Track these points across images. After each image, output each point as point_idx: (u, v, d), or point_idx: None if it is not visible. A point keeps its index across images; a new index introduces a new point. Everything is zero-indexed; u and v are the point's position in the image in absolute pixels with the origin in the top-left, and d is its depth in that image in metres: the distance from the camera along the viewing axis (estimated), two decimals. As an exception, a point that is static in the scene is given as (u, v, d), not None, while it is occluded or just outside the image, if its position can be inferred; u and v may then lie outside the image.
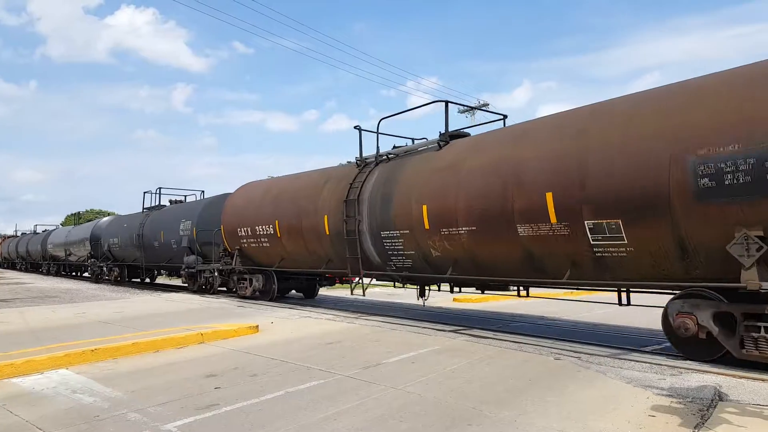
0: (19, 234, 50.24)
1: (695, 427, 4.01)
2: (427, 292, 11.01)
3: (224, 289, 16.92)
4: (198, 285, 17.38)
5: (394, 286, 11.67)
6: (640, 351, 7.18)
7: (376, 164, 11.04)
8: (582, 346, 7.41)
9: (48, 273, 34.84)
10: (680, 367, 5.97)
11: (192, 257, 17.51)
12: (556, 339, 8.11)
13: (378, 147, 11.33)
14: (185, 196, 22.80)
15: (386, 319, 10.19)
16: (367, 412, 4.51)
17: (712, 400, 4.66)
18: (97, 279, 25.82)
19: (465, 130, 10.57)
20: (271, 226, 13.28)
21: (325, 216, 11.51)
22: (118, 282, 23.97)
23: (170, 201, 22.66)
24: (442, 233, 8.89)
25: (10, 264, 49.63)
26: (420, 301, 11.15)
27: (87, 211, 64.03)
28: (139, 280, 25.44)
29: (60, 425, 4.33)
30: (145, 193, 23.34)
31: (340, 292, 18.71)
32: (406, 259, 9.90)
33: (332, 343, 7.66)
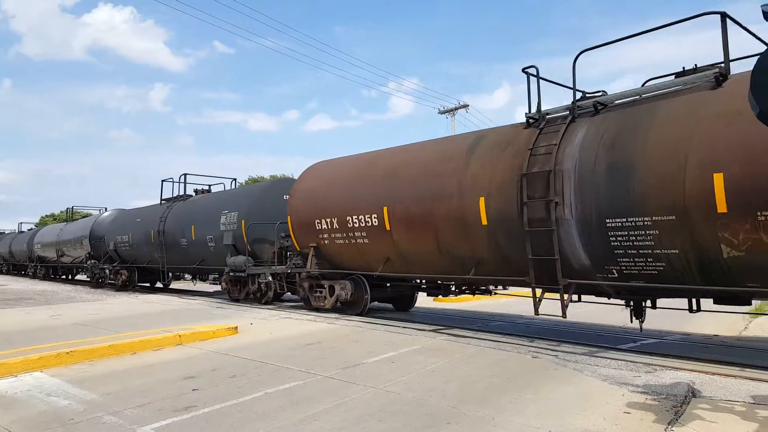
0: (4, 232, 44.96)
1: (669, 423, 4.11)
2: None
3: (270, 297, 13.70)
4: (247, 292, 13.97)
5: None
6: (616, 349, 7.31)
7: (573, 119, 7.53)
8: (559, 344, 7.52)
9: (35, 276, 31.27)
10: (655, 365, 6.10)
11: (240, 258, 13.96)
12: (535, 338, 8.21)
13: (575, 92, 7.64)
14: (209, 185, 18.88)
15: (366, 320, 10.20)
16: (346, 412, 4.51)
17: (685, 397, 4.77)
18: (98, 283, 22.53)
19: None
20: (374, 215, 9.93)
21: (481, 198, 8.15)
22: (125, 287, 20.52)
23: (195, 191, 18.75)
24: (759, 219, 5.64)
25: None
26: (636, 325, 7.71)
27: (62, 212, 62.66)
28: (147, 284, 22.37)
29: (34, 429, 4.24)
30: (163, 181, 19.02)
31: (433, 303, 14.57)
32: (655, 262, 6.52)
33: (312, 344, 7.64)
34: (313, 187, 11.86)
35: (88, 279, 23.81)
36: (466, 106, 34.40)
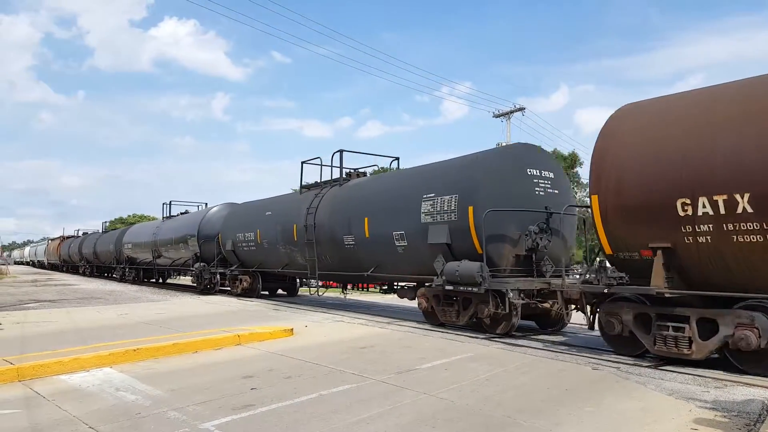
0: (78, 233, 43.79)
1: (741, 443, 3.87)
2: None
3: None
4: (472, 316, 9.11)
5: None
6: (683, 363, 6.93)
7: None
8: (621, 356, 7.22)
9: (123, 279, 28.49)
10: (725, 380, 5.75)
11: (471, 265, 8.81)
12: (594, 349, 7.92)
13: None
14: (359, 169, 14.49)
15: (418, 325, 10.17)
16: (399, 417, 4.51)
17: (759, 415, 4.47)
18: (205, 289, 18.85)
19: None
20: None
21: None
22: (245, 293, 16.99)
23: (348, 174, 14.03)
24: None
25: (70, 267, 43.75)
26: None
27: (129, 216, 66.08)
28: (266, 292, 18.11)
29: (105, 421, 4.49)
30: (303, 162, 14.88)
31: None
32: None
33: (365, 348, 7.69)
34: (647, 139, 6.78)
35: (193, 284, 20.40)
36: (522, 109, 33.74)
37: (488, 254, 8.94)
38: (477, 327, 9.35)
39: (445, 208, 9.72)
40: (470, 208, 9.21)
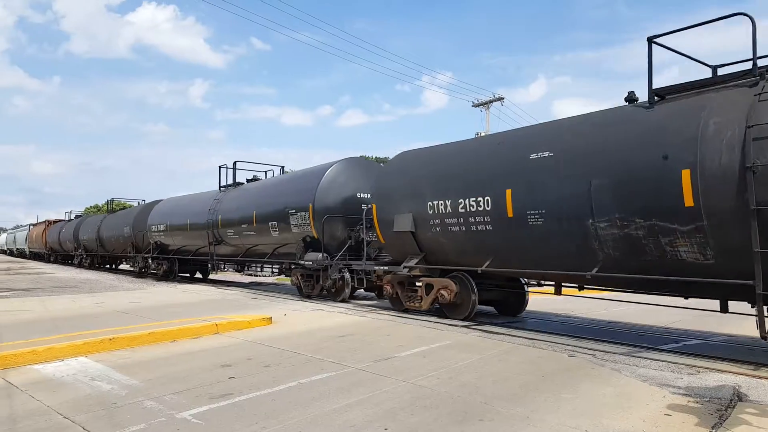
0: (70, 217, 37.24)
1: (713, 427, 3.96)
2: None
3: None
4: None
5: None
6: (657, 349, 7.09)
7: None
8: (597, 343, 7.34)
9: (144, 274, 22.19)
10: (698, 366, 5.89)
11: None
12: (571, 336, 8.04)
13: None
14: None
15: (398, 314, 10.20)
16: (378, 404, 4.52)
17: (731, 400, 4.59)
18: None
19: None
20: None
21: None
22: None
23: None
24: None
25: (60, 257, 37.16)
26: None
27: (108, 202, 64.76)
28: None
29: (79, 411, 4.41)
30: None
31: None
32: None
33: (344, 336, 7.69)
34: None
35: (297, 285, 17.58)
36: (501, 99, 33.85)
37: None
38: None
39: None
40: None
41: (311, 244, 13.44)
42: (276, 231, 14.40)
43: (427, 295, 9.91)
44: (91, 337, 6.93)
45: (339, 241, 12.88)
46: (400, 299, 10.56)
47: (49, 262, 39.33)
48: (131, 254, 23.54)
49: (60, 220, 39.79)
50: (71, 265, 33.18)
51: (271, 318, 8.91)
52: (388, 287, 10.72)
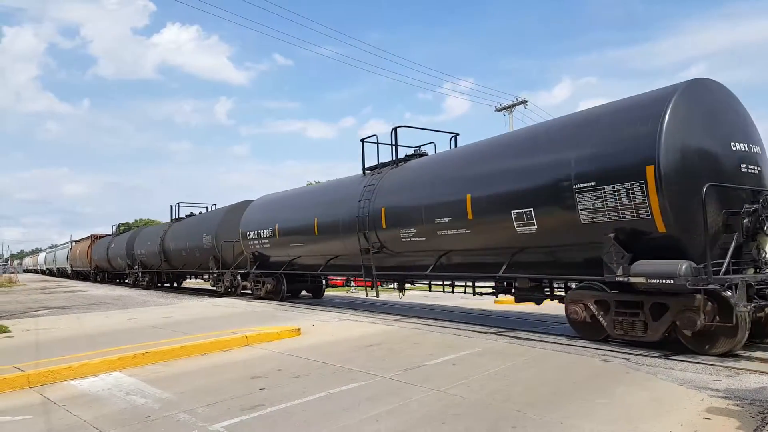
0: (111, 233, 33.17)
1: (755, 431, 3.82)
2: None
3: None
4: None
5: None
6: (694, 352, 6.88)
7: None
8: (630, 347, 7.17)
9: (231, 293, 17.74)
10: (737, 368, 5.70)
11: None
12: (603, 341, 7.87)
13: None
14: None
15: (425, 322, 10.15)
16: (408, 413, 4.50)
17: (772, 403, 4.42)
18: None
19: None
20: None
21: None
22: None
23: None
24: None
25: (107, 276, 33.54)
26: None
27: (135, 221, 66.40)
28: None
29: (115, 425, 4.50)
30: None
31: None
32: None
33: (372, 345, 7.68)
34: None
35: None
36: (524, 102, 33.56)
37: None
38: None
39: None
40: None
41: (644, 243, 6.86)
42: (527, 221, 8.11)
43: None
44: (124, 352, 7.07)
45: (711, 235, 6.46)
46: None
47: (95, 281, 35.11)
48: (214, 270, 18.72)
49: (107, 235, 36.16)
50: (124, 284, 29.27)
51: (299, 329, 8.96)
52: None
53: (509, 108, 33.94)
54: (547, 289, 9.19)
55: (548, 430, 4.02)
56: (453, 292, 11.10)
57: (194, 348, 7.48)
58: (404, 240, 10.62)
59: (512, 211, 8.26)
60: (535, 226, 8.02)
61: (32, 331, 10.01)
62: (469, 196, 9.09)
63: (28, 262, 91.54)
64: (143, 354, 6.97)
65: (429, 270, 10.34)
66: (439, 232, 9.73)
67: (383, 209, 11.03)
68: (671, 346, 6.91)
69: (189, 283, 27.68)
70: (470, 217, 9.04)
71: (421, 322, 10.17)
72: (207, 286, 24.08)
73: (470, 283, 10.62)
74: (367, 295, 14.60)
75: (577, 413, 4.36)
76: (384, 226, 11.01)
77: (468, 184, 9.28)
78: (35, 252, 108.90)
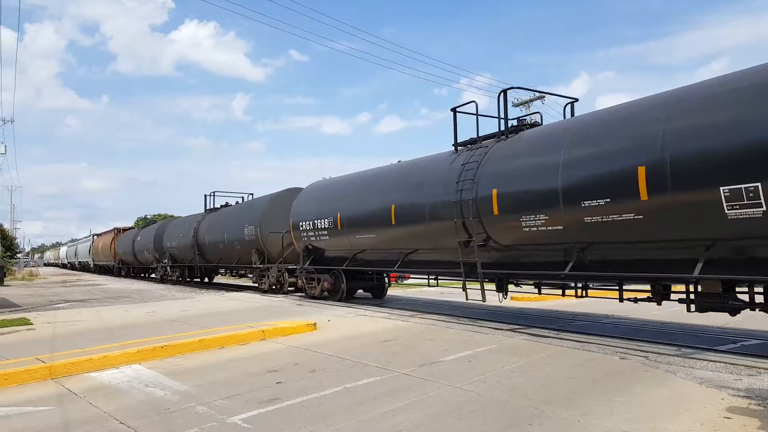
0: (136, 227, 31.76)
1: (777, 431, 3.76)
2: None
3: None
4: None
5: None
6: (713, 350, 6.79)
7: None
8: (649, 345, 7.09)
9: (277, 290, 16.25)
10: (758, 367, 5.61)
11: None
12: (621, 338, 7.80)
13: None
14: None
15: (440, 318, 10.14)
16: (424, 409, 4.50)
17: (795, 403, 4.34)
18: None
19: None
20: None
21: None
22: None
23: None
24: None
25: (132, 270, 32.54)
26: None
27: (153, 216, 67.21)
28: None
29: (135, 417, 4.57)
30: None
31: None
32: None
33: (388, 341, 7.70)
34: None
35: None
36: (542, 97, 33.21)
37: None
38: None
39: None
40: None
41: None
42: (749, 200, 5.72)
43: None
44: (143, 345, 7.18)
45: None
46: None
47: (118, 276, 33.83)
48: (257, 264, 17.12)
49: (130, 228, 35.65)
50: (150, 280, 27.88)
51: (315, 324, 9.01)
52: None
53: (526, 103, 33.63)
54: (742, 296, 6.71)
55: (565, 427, 3.99)
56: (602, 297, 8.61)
57: (212, 341, 7.56)
58: (526, 230, 8.32)
59: (722, 188, 5.90)
60: (764, 208, 5.61)
61: (53, 323, 10.21)
62: (642, 169, 6.61)
63: (48, 255, 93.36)
64: (162, 347, 7.06)
65: (567, 269, 7.91)
66: (586, 219, 7.39)
67: (494, 192, 8.82)
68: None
69: (220, 278, 25.96)
70: (644, 197, 6.64)
71: (436, 318, 10.16)
72: (240, 282, 23.02)
73: (616, 285, 8.01)
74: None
75: (594, 411, 4.32)
76: (496, 212, 8.79)
77: (642, 152, 6.67)
78: (56, 246, 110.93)
